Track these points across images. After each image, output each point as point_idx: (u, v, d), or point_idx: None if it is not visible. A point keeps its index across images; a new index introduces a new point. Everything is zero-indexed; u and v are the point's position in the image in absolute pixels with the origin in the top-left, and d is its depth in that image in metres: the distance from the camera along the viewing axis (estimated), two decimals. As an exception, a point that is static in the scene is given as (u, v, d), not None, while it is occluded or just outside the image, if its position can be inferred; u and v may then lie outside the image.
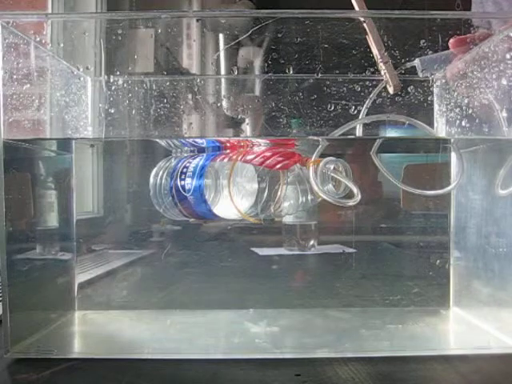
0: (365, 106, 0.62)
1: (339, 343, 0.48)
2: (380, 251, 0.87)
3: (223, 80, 0.71)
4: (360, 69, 0.61)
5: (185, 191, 0.53)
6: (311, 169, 0.50)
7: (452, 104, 0.60)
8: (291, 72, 0.63)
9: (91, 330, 0.58)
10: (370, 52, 0.55)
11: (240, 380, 0.43)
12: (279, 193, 0.50)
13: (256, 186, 0.51)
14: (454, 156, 0.62)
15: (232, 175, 0.51)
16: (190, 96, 0.67)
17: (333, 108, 0.64)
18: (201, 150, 0.58)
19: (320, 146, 0.51)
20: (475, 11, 0.85)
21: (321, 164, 0.50)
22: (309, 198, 0.51)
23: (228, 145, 0.56)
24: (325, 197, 0.50)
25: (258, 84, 0.70)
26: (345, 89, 0.64)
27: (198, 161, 0.54)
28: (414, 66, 0.60)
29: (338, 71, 0.63)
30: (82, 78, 0.64)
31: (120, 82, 0.63)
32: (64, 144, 0.61)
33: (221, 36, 0.70)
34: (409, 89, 0.62)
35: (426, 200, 0.67)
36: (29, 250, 0.55)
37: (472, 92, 0.55)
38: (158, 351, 0.51)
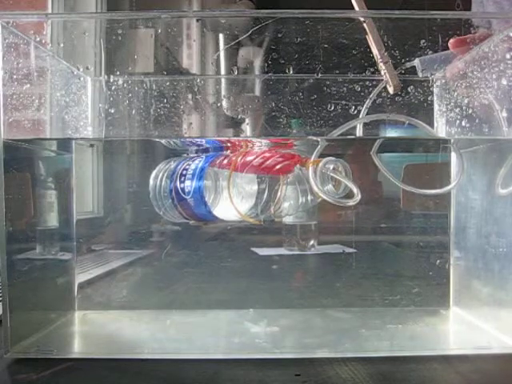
0: (365, 105, 0.62)
1: (339, 343, 0.48)
2: (380, 251, 0.87)
3: (223, 80, 0.71)
4: (360, 69, 0.61)
5: (184, 193, 0.53)
6: (311, 169, 0.50)
7: (452, 104, 0.60)
8: (291, 72, 0.63)
9: (91, 330, 0.58)
10: (370, 52, 0.55)
11: (240, 380, 0.43)
12: (279, 193, 0.50)
13: (256, 187, 0.51)
14: (453, 156, 0.62)
15: (232, 177, 0.51)
16: (190, 96, 0.67)
17: (333, 108, 0.64)
18: (204, 150, 0.58)
19: (319, 146, 0.51)
20: (475, 11, 0.85)
21: (320, 164, 0.50)
22: (309, 198, 0.51)
23: (229, 145, 0.56)
24: (325, 197, 0.50)
25: (258, 84, 0.70)
26: (345, 89, 0.64)
27: (198, 163, 0.54)
28: (414, 66, 0.60)
29: (337, 71, 0.63)
30: (81, 78, 0.64)
31: (120, 81, 0.63)
32: (64, 144, 0.61)
33: (221, 36, 0.70)
34: (409, 89, 0.62)
35: (426, 200, 0.67)
36: (29, 250, 0.55)
37: (472, 92, 0.55)
38: (158, 351, 0.51)
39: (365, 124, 0.62)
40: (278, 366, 0.44)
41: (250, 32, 0.58)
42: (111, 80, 0.63)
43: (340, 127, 0.54)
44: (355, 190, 0.50)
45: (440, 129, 0.63)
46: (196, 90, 0.68)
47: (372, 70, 0.59)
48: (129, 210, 0.87)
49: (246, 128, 0.71)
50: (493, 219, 0.54)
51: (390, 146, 0.65)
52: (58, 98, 0.60)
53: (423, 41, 0.58)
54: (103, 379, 0.43)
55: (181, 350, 0.51)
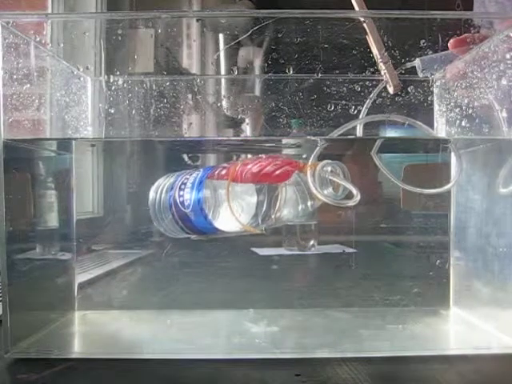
0: (365, 105, 0.62)
1: (339, 343, 0.48)
2: (380, 251, 0.87)
3: (223, 80, 0.71)
4: (360, 69, 0.61)
5: (184, 207, 0.53)
6: (309, 173, 0.50)
7: (452, 104, 0.60)
8: (291, 72, 0.63)
9: (91, 330, 0.58)
10: (370, 52, 0.55)
11: (240, 380, 0.43)
12: (279, 201, 0.50)
13: (255, 196, 0.50)
14: (453, 156, 0.62)
15: (230, 187, 0.51)
16: (190, 96, 0.67)
17: (333, 108, 0.64)
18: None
19: (317, 149, 0.51)
20: (475, 11, 0.85)
21: (318, 167, 0.50)
22: (309, 203, 0.51)
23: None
24: (325, 200, 0.50)
25: (258, 84, 0.70)
26: (345, 89, 0.64)
27: (196, 175, 0.54)
28: (414, 66, 0.60)
29: (337, 71, 0.63)
30: (82, 78, 0.64)
31: (120, 82, 0.63)
32: (64, 144, 0.61)
33: (221, 36, 0.70)
34: (409, 89, 0.62)
35: (426, 200, 0.67)
36: (29, 250, 0.55)
37: (472, 92, 0.55)
38: (158, 351, 0.51)
39: (365, 124, 0.62)
40: (278, 366, 0.44)
41: (250, 32, 0.58)
42: (111, 80, 0.63)
43: (340, 127, 0.54)
44: (354, 190, 0.50)
45: (440, 129, 0.63)
46: (196, 90, 0.68)
47: (372, 69, 0.59)
48: (129, 210, 0.87)
49: (246, 128, 0.71)
50: (493, 219, 0.54)
51: (390, 146, 0.65)
52: (58, 98, 0.60)
53: (423, 41, 0.58)
54: (103, 379, 0.43)
55: (181, 350, 0.51)
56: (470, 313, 0.58)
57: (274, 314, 0.61)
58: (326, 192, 0.51)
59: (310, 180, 0.50)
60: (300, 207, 0.51)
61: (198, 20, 0.67)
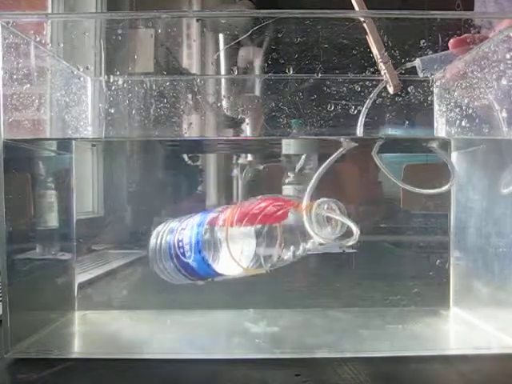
0: (365, 105, 0.62)
1: (339, 343, 0.48)
2: (380, 251, 0.87)
3: (223, 80, 0.71)
4: (360, 69, 0.61)
5: (185, 257, 0.54)
6: (305, 215, 0.49)
7: (452, 104, 0.60)
8: (291, 72, 0.63)
9: (91, 330, 0.58)
10: (370, 52, 0.55)
11: (240, 380, 0.43)
12: (278, 241, 0.49)
13: (254, 237, 0.50)
14: (454, 156, 0.62)
15: (228, 232, 0.51)
16: (190, 96, 0.67)
17: (333, 108, 0.64)
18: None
19: (308, 189, 0.50)
20: (475, 11, 0.85)
21: (314, 207, 0.49)
22: (310, 242, 0.50)
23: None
24: (323, 241, 0.49)
25: (258, 84, 0.70)
26: (345, 89, 0.64)
27: (193, 224, 0.54)
28: (414, 66, 0.60)
29: (337, 71, 0.63)
30: (82, 78, 0.64)
31: (120, 82, 0.63)
32: (64, 144, 0.61)
33: (221, 36, 0.70)
34: (409, 89, 0.62)
35: (426, 200, 0.67)
36: (29, 250, 0.55)
37: (472, 92, 0.55)
38: (158, 351, 0.51)
39: (365, 124, 0.62)
40: (278, 366, 0.44)
41: (250, 32, 0.58)
42: (111, 80, 0.63)
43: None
44: (354, 227, 0.49)
45: (440, 129, 0.63)
46: (196, 90, 0.68)
47: (372, 69, 0.59)
48: (129, 210, 0.87)
49: (246, 128, 0.71)
50: (493, 219, 0.54)
51: (390, 146, 0.65)
52: (58, 98, 0.60)
53: (423, 41, 0.58)
54: (103, 379, 0.43)
55: (181, 350, 0.51)
56: (470, 313, 0.58)
57: (274, 314, 0.61)
58: (324, 231, 0.50)
59: (306, 222, 0.49)
60: (301, 245, 0.50)
61: (198, 20, 0.67)
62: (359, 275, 0.67)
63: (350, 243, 0.48)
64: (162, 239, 0.57)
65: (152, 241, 0.58)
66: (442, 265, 0.63)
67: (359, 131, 0.63)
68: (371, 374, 0.42)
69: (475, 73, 0.54)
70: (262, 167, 1.20)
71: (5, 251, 0.46)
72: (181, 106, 0.66)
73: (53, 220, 0.61)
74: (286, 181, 0.95)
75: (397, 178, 0.64)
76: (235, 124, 0.71)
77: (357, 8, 0.53)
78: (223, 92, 0.71)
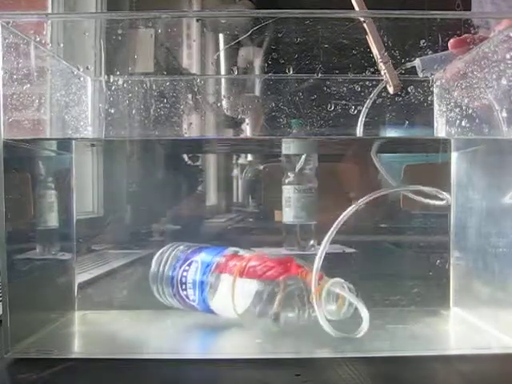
0: (365, 105, 0.62)
1: (339, 343, 0.48)
2: (380, 251, 0.87)
3: (223, 80, 0.71)
4: (360, 69, 0.61)
5: (189, 300, 0.55)
6: (315, 298, 0.48)
7: (452, 104, 0.60)
8: (291, 72, 0.63)
9: (91, 330, 0.58)
10: (370, 52, 0.55)
11: (240, 380, 0.43)
12: (277, 301, 0.49)
13: (254, 289, 0.50)
14: (454, 156, 0.62)
15: (235, 283, 0.51)
16: (190, 96, 0.67)
17: (333, 108, 0.64)
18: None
19: (316, 260, 0.50)
20: (475, 11, 0.85)
21: (326, 286, 0.49)
22: (312, 314, 0.50)
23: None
24: (328, 331, 0.48)
25: (258, 84, 0.70)
26: (345, 89, 0.64)
27: (195, 270, 0.55)
28: (414, 66, 0.60)
29: (337, 71, 0.63)
30: (82, 78, 0.64)
31: (120, 82, 0.63)
32: (64, 144, 0.61)
33: (221, 36, 0.70)
34: (409, 89, 0.62)
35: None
36: (29, 250, 0.55)
37: (472, 92, 0.55)
38: (158, 351, 0.51)
39: (365, 124, 0.62)
40: (278, 366, 0.44)
41: (250, 32, 0.58)
42: (111, 80, 0.63)
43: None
44: (365, 311, 0.48)
45: (440, 129, 0.63)
46: (196, 90, 0.68)
47: (372, 69, 0.59)
48: (129, 210, 0.87)
49: (246, 128, 0.71)
50: (493, 219, 0.54)
51: (390, 146, 0.65)
52: (58, 98, 0.60)
53: (423, 41, 0.58)
54: (103, 379, 0.43)
55: (181, 350, 0.51)
56: (470, 313, 0.58)
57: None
58: (329, 308, 0.49)
59: (315, 304, 0.48)
60: (300, 312, 0.50)
61: (198, 20, 0.67)
62: (359, 275, 0.67)
63: (362, 334, 0.47)
64: (165, 267, 0.57)
65: (154, 267, 0.58)
66: (442, 265, 0.63)
67: (359, 131, 0.63)
68: (371, 374, 0.42)
69: (475, 73, 0.54)
70: (262, 167, 1.20)
71: (5, 251, 0.46)
72: (181, 106, 0.66)
73: (53, 220, 0.61)
74: (286, 181, 0.95)
75: (396, 177, 0.64)
76: (235, 124, 0.72)
77: (357, 8, 0.53)
78: (223, 92, 0.71)
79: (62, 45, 0.59)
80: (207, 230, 1.04)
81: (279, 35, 0.59)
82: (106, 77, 0.63)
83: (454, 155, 0.62)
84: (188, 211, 1.02)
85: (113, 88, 0.63)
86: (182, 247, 0.58)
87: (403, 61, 0.59)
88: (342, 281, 0.50)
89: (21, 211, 0.53)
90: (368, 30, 0.53)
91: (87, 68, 0.63)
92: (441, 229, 0.64)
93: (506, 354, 0.47)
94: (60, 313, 0.59)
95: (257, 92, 0.70)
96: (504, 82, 0.49)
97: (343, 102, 0.63)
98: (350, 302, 0.49)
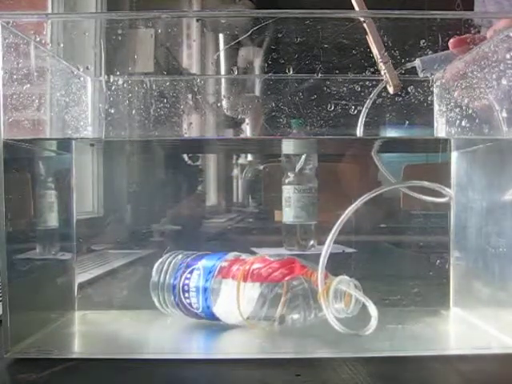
0: (365, 105, 0.62)
1: (339, 343, 0.48)
2: (380, 251, 0.87)
3: (223, 80, 0.71)
4: (360, 69, 0.61)
5: (192, 308, 0.54)
6: (322, 297, 0.48)
7: (452, 104, 0.60)
8: (291, 72, 0.63)
9: (91, 330, 0.58)
10: (370, 52, 0.55)
11: (240, 380, 0.43)
12: (281, 304, 0.49)
13: (258, 292, 0.50)
14: (454, 156, 0.62)
15: (240, 288, 0.51)
16: (190, 96, 0.67)
17: (333, 108, 0.64)
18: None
19: (321, 261, 0.50)
20: (475, 11, 0.85)
21: (333, 284, 0.49)
22: (318, 314, 0.50)
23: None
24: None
25: (258, 84, 0.70)
26: (345, 89, 0.64)
27: (198, 277, 0.54)
28: (414, 66, 0.60)
29: (337, 71, 0.63)
30: (82, 78, 0.64)
31: (120, 82, 0.63)
32: (64, 144, 0.61)
33: (221, 36, 0.70)
34: (409, 89, 0.62)
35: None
36: (29, 250, 0.55)
37: (472, 92, 0.55)
38: (158, 351, 0.51)
39: (365, 124, 0.62)
40: (278, 366, 0.44)
41: (250, 32, 0.58)
42: (111, 80, 0.63)
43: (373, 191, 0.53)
44: (373, 308, 0.48)
45: (440, 129, 0.63)
46: (196, 90, 0.68)
47: (372, 69, 0.59)
48: (129, 210, 0.87)
49: (246, 128, 0.71)
50: (493, 219, 0.54)
51: (390, 146, 0.65)
52: (58, 98, 0.60)
53: (423, 41, 0.58)
54: (103, 379, 0.43)
55: (181, 350, 0.51)
56: (471, 313, 0.58)
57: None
58: (336, 306, 0.49)
59: (323, 304, 0.48)
60: (306, 313, 0.50)
61: (198, 20, 0.67)
62: (359, 275, 0.67)
63: (370, 331, 0.47)
64: (166, 276, 0.57)
65: (154, 276, 0.58)
66: (442, 265, 0.63)
67: (359, 131, 0.63)
68: (371, 374, 0.42)
69: (475, 73, 0.54)
70: (262, 167, 1.20)
71: (5, 251, 0.46)
72: (181, 106, 0.66)
73: (53, 220, 0.61)
74: (286, 181, 0.95)
75: (396, 178, 0.64)
76: (235, 124, 0.72)
77: (357, 8, 0.53)
78: (223, 92, 0.71)
79: (62, 45, 0.58)
80: (207, 230, 1.04)
81: (279, 35, 0.59)
82: (105, 77, 0.63)
83: (454, 155, 0.62)
84: (188, 211, 1.02)
85: (113, 88, 0.63)
86: (181, 256, 0.58)
87: (403, 61, 0.59)
88: (349, 278, 0.50)
89: (21, 211, 0.53)
90: (368, 30, 0.53)
91: (87, 68, 0.63)
92: (441, 229, 0.64)
93: (506, 354, 0.47)
94: (60, 313, 0.59)
95: (257, 92, 0.70)
96: (504, 82, 0.49)
97: (343, 102, 0.63)
98: (357, 300, 0.49)
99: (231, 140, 0.72)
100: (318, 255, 0.51)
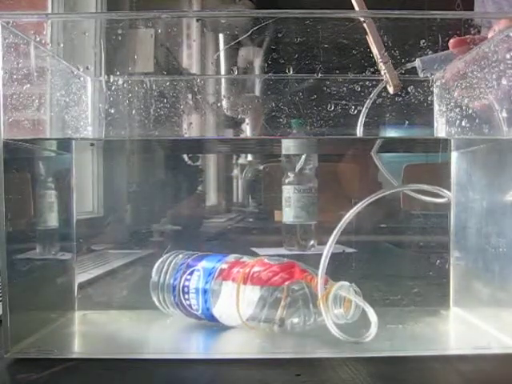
0: (365, 105, 0.62)
1: (339, 343, 0.48)
2: (380, 251, 0.87)
3: (223, 80, 0.71)
4: (360, 69, 0.61)
5: (192, 309, 0.54)
6: (322, 303, 0.48)
7: (452, 104, 0.60)
8: (291, 72, 0.63)
9: (91, 330, 0.58)
10: (370, 52, 0.55)
11: (240, 380, 0.43)
12: (281, 307, 0.49)
13: (258, 295, 0.50)
14: (454, 156, 0.62)
15: (240, 290, 0.51)
16: (190, 96, 0.67)
17: (333, 108, 0.64)
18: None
19: (322, 264, 0.50)
20: (475, 11, 0.85)
21: (332, 290, 0.48)
22: (318, 319, 0.50)
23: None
24: (339, 335, 0.47)
25: (258, 84, 0.70)
26: (345, 89, 0.64)
27: (198, 278, 0.54)
28: (414, 66, 0.60)
29: (338, 71, 0.63)
30: (82, 78, 0.64)
31: (120, 82, 0.63)
32: (64, 144, 0.61)
33: (221, 36, 0.70)
34: (409, 89, 0.62)
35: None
36: (29, 250, 0.55)
37: (472, 92, 0.55)
38: (158, 351, 0.51)
39: (365, 124, 0.62)
40: (278, 366, 0.44)
41: (250, 32, 0.58)
42: (111, 80, 0.63)
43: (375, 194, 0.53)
44: (373, 314, 0.47)
45: (440, 129, 0.63)
46: (196, 90, 0.68)
47: (372, 69, 0.59)
48: (129, 210, 0.87)
49: (246, 128, 0.71)
50: (493, 219, 0.54)
51: (390, 146, 0.65)
52: (58, 98, 0.60)
53: (423, 41, 0.58)
54: (103, 379, 0.43)
55: (181, 350, 0.51)
56: (471, 313, 0.58)
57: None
58: (336, 312, 0.49)
59: (323, 310, 0.48)
60: (305, 318, 0.50)
61: (198, 20, 0.67)
62: (359, 275, 0.67)
63: (369, 339, 0.47)
64: (166, 276, 0.56)
65: (154, 277, 0.58)
66: (442, 265, 0.63)
67: (359, 131, 0.63)
68: (371, 374, 0.42)
69: (475, 73, 0.54)
70: (262, 167, 1.20)
71: (5, 251, 0.46)
72: (181, 106, 0.66)
73: (53, 220, 0.61)
74: (286, 181, 0.95)
75: (395, 178, 0.64)
76: (235, 124, 0.72)
77: (357, 8, 0.53)
78: (223, 92, 0.71)
79: (62, 45, 0.58)
80: (207, 230, 1.04)
81: (279, 35, 0.59)
82: (105, 77, 0.63)
83: (454, 155, 0.62)
84: (188, 211, 1.02)
85: (113, 88, 0.63)
86: (181, 256, 0.58)
87: (403, 61, 0.59)
88: (348, 284, 0.50)
89: (21, 211, 0.53)
90: (368, 30, 0.53)
91: (87, 68, 0.63)
92: (441, 229, 0.64)
93: (506, 354, 0.47)
94: (60, 313, 0.59)
95: (257, 92, 0.70)
96: (504, 82, 0.49)
97: (343, 102, 0.63)
98: (357, 305, 0.49)
99: (231, 140, 0.72)
100: (318, 255, 0.51)
